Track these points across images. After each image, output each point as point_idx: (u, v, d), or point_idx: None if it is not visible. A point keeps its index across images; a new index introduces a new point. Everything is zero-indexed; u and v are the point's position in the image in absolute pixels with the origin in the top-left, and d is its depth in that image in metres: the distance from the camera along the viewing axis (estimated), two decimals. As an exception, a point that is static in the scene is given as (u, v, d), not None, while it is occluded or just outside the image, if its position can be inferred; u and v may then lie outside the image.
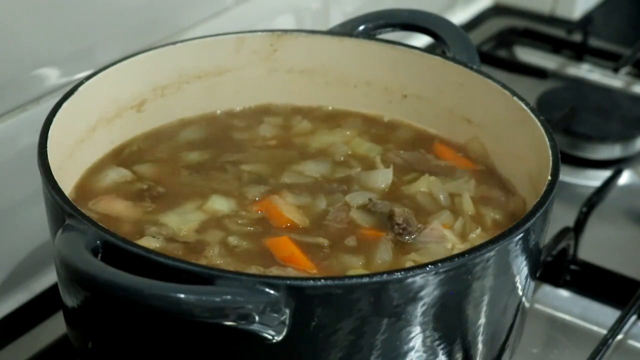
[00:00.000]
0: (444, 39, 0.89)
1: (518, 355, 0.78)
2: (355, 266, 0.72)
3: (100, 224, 0.63)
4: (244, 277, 0.60)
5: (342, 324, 0.62)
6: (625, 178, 1.14)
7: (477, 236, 0.76)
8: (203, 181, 0.82)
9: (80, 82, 0.79)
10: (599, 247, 1.01)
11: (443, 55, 0.89)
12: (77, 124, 0.79)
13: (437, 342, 0.66)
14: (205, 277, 0.59)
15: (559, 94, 1.27)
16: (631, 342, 0.90)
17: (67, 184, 0.78)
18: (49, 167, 0.69)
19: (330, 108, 0.94)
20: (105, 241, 0.62)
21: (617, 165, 1.15)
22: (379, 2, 1.03)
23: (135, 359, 0.67)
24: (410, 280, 0.61)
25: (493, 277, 0.66)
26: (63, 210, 0.64)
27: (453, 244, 0.75)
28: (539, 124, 0.78)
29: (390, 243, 0.74)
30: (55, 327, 0.87)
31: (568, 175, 1.14)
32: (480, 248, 0.64)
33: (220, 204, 0.78)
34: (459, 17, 1.53)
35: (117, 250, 0.61)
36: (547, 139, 0.76)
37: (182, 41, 0.88)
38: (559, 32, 1.48)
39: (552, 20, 1.55)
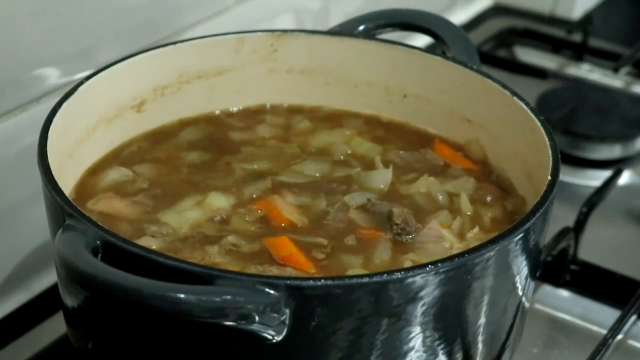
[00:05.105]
0: (444, 39, 0.89)
1: (518, 355, 0.78)
2: (354, 265, 0.72)
3: (101, 224, 0.63)
4: (244, 277, 0.60)
5: (342, 324, 0.62)
6: (625, 178, 1.14)
7: (474, 235, 0.76)
8: (202, 179, 0.82)
9: (80, 82, 0.79)
10: (599, 247, 1.01)
11: (443, 55, 0.89)
12: (77, 124, 0.79)
13: (437, 342, 0.66)
14: (205, 277, 0.59)
15: (559, 94, 1.27)
16: (631, 342, 0.90)
17: (67, 184, 0.78)
18: (49, 167, 0.69)
19: (330, 108, 0.94)
20: (105, 241, 0.62)
21: (617, 165, 1.15)
22: (379, 2, 1.03)
23: (135, 359, 0.67)
24: (410, 280, 0.61)
25: (493, 277, 0.66)
26: (63, 210, 0.64)
27: (451, 243, 0.75)
28: (539, 124, 0.78)
29: (389, 243, 0.75)
30: (55, 327, 0.87)
31: (568, 175, 1.14)
32: (480, 248, 0.64)
33: (219, 201, 0.78)
34: (459, 17, 1.52)
35: (117, 250, 0.61)
36: (547, 139, 0.76)
37: (182, 41, 0.88)
38: (559, 32, 1.48)
39: (552, 20, 1.55)
